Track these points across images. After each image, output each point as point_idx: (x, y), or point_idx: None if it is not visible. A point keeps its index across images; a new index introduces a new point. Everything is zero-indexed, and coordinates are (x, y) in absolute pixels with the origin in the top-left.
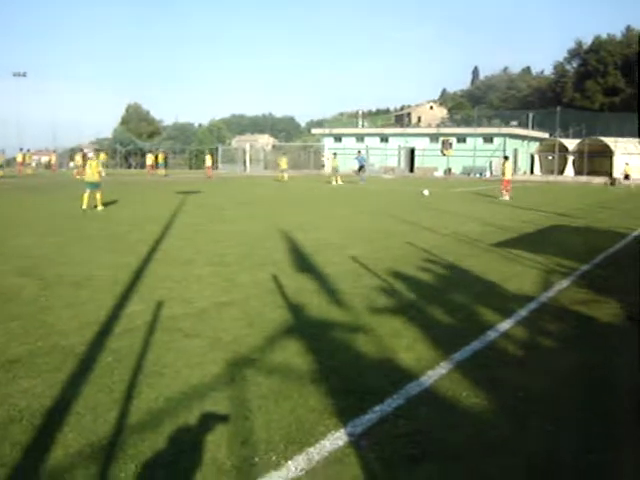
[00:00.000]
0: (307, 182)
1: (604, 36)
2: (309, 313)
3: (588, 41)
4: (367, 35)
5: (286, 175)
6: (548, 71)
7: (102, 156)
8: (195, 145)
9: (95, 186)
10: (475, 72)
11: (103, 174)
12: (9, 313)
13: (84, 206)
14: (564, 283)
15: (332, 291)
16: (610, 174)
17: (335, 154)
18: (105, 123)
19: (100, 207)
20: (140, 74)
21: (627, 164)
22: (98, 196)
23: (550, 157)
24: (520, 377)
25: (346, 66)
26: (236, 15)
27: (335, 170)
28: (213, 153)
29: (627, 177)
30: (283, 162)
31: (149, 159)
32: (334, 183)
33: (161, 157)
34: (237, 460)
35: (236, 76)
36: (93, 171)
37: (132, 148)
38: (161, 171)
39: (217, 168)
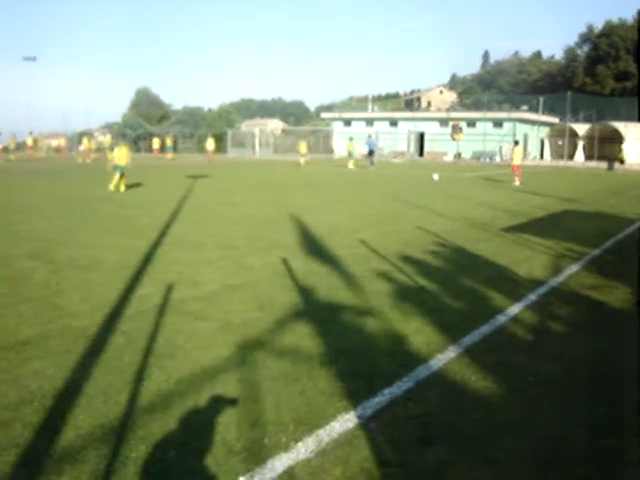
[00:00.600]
0: (317, 166)
1: (615, 20)
2: (318, 296)
3: (599, 25)
4: (377, 20)
5: (302, 160)
6: (559, 56)
7: (107, 140)
8: (204, 129)
9: (121, 169)
10: (485, 56)
11: (88, 161)
12: (21, 296)
13: (112, 188)
14: (574, 268)
15: (342, 274)
16: (620, 160)
17: (351, 138)
18: (115, 107)
19: (122, 189)
20: (150, 58)
21: (622, 149)
22: (122, 179)
23: (560, 142)
24: (529, 361)
25: (356, 50)
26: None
27: (350, 154)
28: (216, 137)
29: (622, 162)
30: (302, 147)
31: (155, 143)
32: (351, 167)
33: (169, 141)
34: (247, 441)
35: (245, 60)
36: (123, 155)
37: (142, 132)
38: (169, 155)
39: (226, 152)
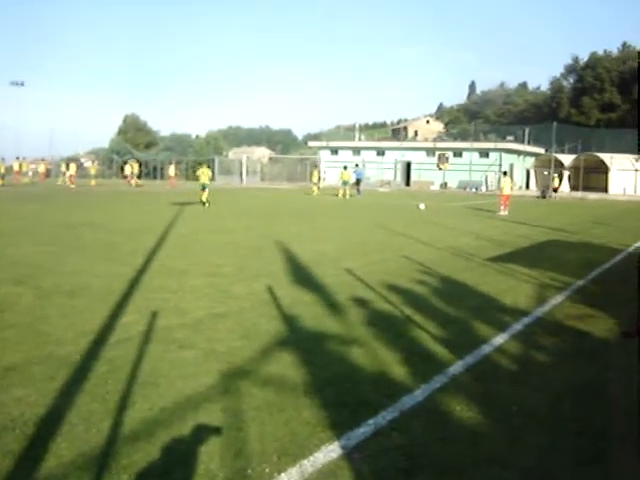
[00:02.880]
0: (304, 194)
1: (601, 52)
2: (304, 325)
3: (585, 57)
4: (365, 49)
5: (315, 188)
6: (544, 86)
7: (92, 167)
8: (192, 156)
9: (204, 187)
10: (472, 87)
11: (93, 182)
12: (5, 322)
13: (204, 202)
14: (559, 298)
15: (327, 303)
16: (554, 188)
17: (345, 167)
18: (102, 133)
19: (207, 203)
20: (138, 84)
21: (555, 177)
22: (206, 193)
23: (546, 172)
24: (514, 391)
25: (344, 79)
26: (234, 27)
27: (344, 183)
28: (178, 163)
29: (555, 190)
30: (315, 175)
31: (127, 169)
32: (340, 196)
33: (135, 167)
34: (230, 472)
35: (233, 88)
36: (204, 176)
37: (129, 158)
38: (133, 181)
39: (214, 179)
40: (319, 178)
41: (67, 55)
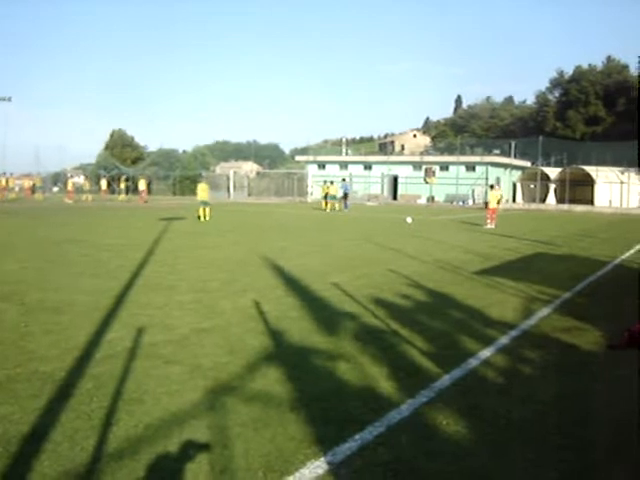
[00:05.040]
0: (291, 209)
1: (585, 66)
2: (290, 340)
3: (569, 71)
4: (352, 64)
5: (335, 204)
6: (530, 100)
7: (85, 183)
8: (179, 171)
9: (206, 203)
10: (458, 101)
11: (70, 201)
12: None
13: (201, 218)
14: (545, 311)
15: (313, 318)
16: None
17: (332, 182)
18: (89, 148)
19: (208, 218)
20: (125, 100)
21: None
22: (207, 210)
23: (532, 185)
24: (501, 405)
25: (331, 94)
26: (221, 41)
27: (334, 197)
28: (189, 179)
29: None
30: (333, 189)
31: (103, 184)
32: (328, 210)
33: (104, 183)
34: None
35: (221, 103)
36: (204, 192)
37: (116, 173)
38: (121, 196)
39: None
40: (336, 191)
41: (52, 70)
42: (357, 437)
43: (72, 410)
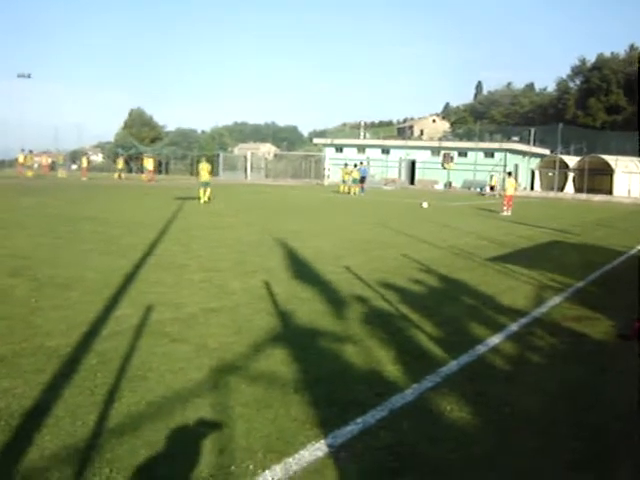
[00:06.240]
0: (308, 191)
1: (607, 54)
2: (298, 321)
3: (592, 59)
4: (372, 47)
5: (353, 188)
6: (551, 88)
7: (84, 162)
8: (197, 151)
9: (206, 184)
10: (478, 87)
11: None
12: None
13: (201, 200)
14: (557, 299)
15: (323, 300)
16: (491, 186)
17: (356, 165)
18: (108, 126)
19: (207, 200)
20: (144, 79)
21: (492, 175)
22: (208, 192)
23: (550, 174)
24: (507, 393)
25: (351, 77)
26: (242, 23)
27: (354, 181)
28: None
29: (492, 188)
30: (355, 172)
31: (119, 164)
32: (351, 194)
33: (124, 161)
34: (214, 468)
35: (240, 84)
36: (204, 173)
37: (134, 152)
38: (119, 175)
39: (218, 175)
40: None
41: (73, 48)
42: (359, 420)
43: (75, 385)
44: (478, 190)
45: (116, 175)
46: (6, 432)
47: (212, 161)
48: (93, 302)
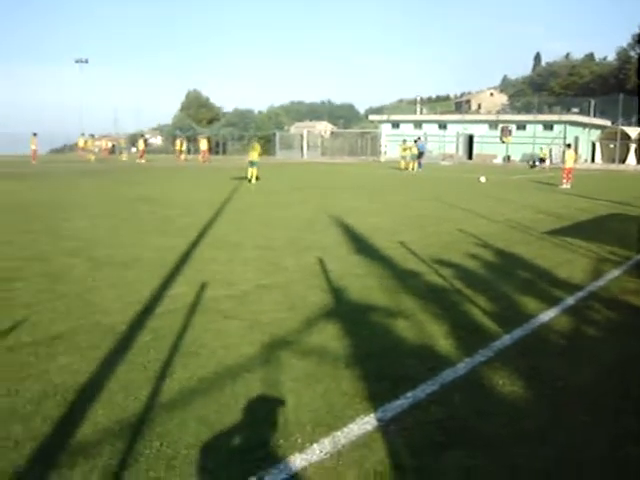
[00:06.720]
0: (364, 168)
1: None
2: (351, 297)
3: None
4: (428, 22)
5: (411, 164)
6: (611, 57)
7: (140, 144)
8: (253, 131)
9: (254, 164)
10: (537, 58)
11: (143, 161)
12: (57, 292)
13: (251, 180)
14: (616, 272)
15: (377, 276)
16: (542, 159)
17: (415, 141)
18: (166, 109)
19: (255, 180)
20: (200, 61)
21: (541, 148)
22: (255, 172)
23: (612, 145)
24: (561, 367)
25: (407, 52)
26: (296, 2)
27: (412, 157)
28: (264, 139)
29: (543, 160)
30: (414, 148)
31: (177, 145)
32: (410, 170)
33: (181, 143)
34: (263, 442)
35: (296, 63)
36: (255, 153)
37: (191, 134)
38: (187, 156)
39: (275, 154)
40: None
41: (129, 33)
42: (409, 395)
43: (129, 362)
44: (530, 163)
45: (182, 157)
46: (61, 407)
47: (269, 140)
48: (149, 281)
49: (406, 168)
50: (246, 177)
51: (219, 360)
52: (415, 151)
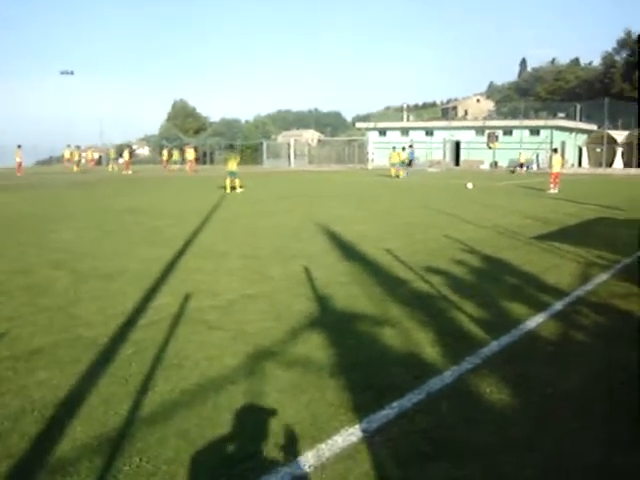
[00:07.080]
0: (351, 176)
1: None
2: (337, 305)
3: (638, 30)
4: (413, 29)
5: (400, 171)
6: (597, 62)
7: (126, 155)
8: (240, 141)
9: (233, 174)
10: (523, 64)
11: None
12: (39, 305)
13: (227, 190)
14: (604, 276)
15: (363, 284)
16: (520, 164)
17: (404, 148)
18: (152, 119)
19: (239, 190)
20: (186, 71)
21: (520, 153)
22: (237, 182)
23: (598, 149)
24: (549, 373)
25: (393, 60)
26: (281, 11)
27: (403, 163)
28: (251, 148)
29: (521, 165)
30: (404, 155)
31: (164, 155)
32: (401, 176)
33: (169, 153)
34: (245, 454)
35: (282, 72)
36: (232, 163)
37: (178, 144)
38: (174, 167)
39: (262, 163)
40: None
41: (114, 43)
42: (395, 404)
43: (110, 375)
44: (511, 169)
45: (170, 167)
46: (39, 423)
47: (256, 149)
48: (133, 292)
49: (397, 176)
50: (224, 187)
51: (202, 372)
52: (405, 158)
